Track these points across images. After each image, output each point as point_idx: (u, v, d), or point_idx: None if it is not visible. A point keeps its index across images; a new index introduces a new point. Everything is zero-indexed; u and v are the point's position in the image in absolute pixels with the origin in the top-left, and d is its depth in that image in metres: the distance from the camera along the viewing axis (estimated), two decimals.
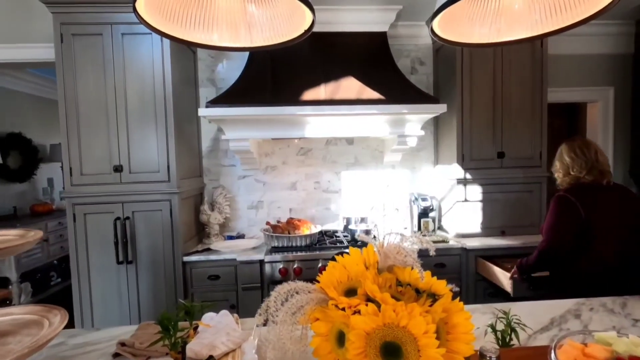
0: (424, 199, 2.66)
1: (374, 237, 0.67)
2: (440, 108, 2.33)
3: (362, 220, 2.77)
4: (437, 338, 0.52)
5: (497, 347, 0.96)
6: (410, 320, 0.50)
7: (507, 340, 0.99)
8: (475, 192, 2.58)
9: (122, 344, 1.17)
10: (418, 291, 0.59)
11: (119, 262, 2.25)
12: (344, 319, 0.54)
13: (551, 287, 1.79)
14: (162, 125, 2.25)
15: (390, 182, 2.96)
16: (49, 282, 4.06)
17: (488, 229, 2.59)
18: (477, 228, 2.59)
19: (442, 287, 0.59)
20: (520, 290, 1.96)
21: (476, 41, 1.04)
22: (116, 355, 1.14)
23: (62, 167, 2.31)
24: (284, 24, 0.97)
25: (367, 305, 0.52)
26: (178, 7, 0.90)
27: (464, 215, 2.58)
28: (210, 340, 1.16)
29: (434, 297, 0.58)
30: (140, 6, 0.81)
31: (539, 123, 2.59)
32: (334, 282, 0.61)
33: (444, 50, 2.74)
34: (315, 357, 0.57)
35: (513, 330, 0.98)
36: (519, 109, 2.57)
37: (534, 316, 1.30)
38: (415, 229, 2.69)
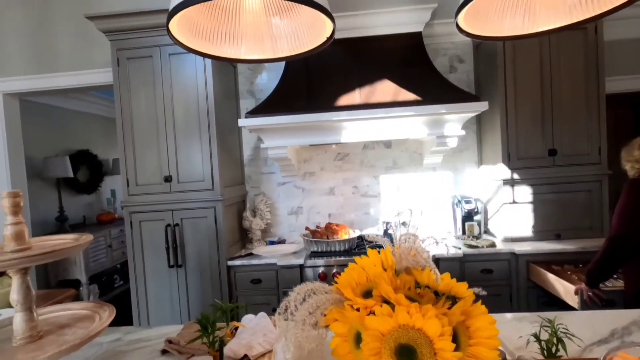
0: (467, 202, 2.54)
1: (391, 238, 0.66)
2: (481, 106, 2.22)
3: (403, 224, 2.71)
4: (456, 342, 0.50)
5: (541, 357, 0.89)
6: (425, 322, 0.49)
7: (554, 351, 0.91)
8: (525, 193, 2.42)
9: (170, 342, 1.26)
10: (437, 293, 0.57)
11: (170, 266, 2.41)
12: (359, 320, 0.54)
13: (632, 300, 1.61)
14: (206, 137, 2.39)
15: (418, 185, 2.87)
16: (113, 284, 4.46)
17: (541, 233, 2.40)
18: (527, 231, 2.41)
19: (462, 289, 0.57)
20: (590, 306, 1.74)
21: (507, 34, 0.98)
22: (164, 351, 1.23)
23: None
24: (307, 34, 1.00)
25: (382, 306, 0.52)
26: (207, 25, 0.96)
27: (512, 218, 2.42)
28: (248, 340, 1.21)
29: (454, 300, 0.56)
30: (173, 27, 0.89)
31: (596, 116, 2.36)
32: (352, 284, 0.61)
33: (484, 45, 2.61)
34: (335, 357, 0.58)
35: (560, 340, 0.90)
36: (572, 102, 2.37)
37: (592, 326, 1.19)
38: (459, 232, 2.57)
